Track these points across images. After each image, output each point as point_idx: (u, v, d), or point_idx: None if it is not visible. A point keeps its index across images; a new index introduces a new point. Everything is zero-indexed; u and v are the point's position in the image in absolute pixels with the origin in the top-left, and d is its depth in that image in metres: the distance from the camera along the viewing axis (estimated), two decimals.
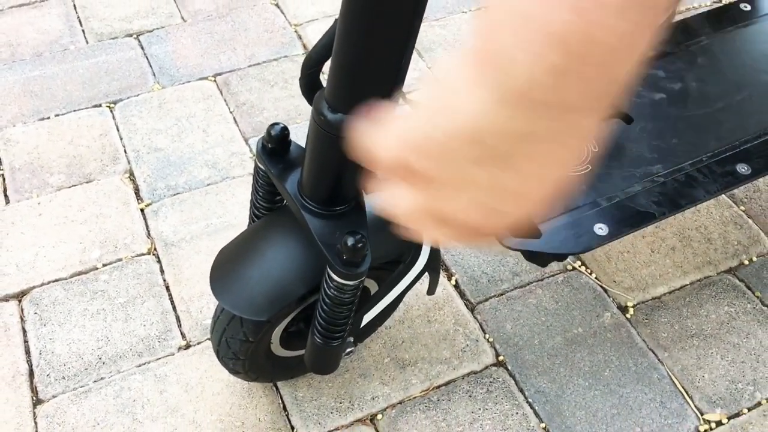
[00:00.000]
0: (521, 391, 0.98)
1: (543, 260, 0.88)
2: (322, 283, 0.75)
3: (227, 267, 0.79)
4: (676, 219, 1.18)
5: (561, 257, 0.88)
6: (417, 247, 0.84)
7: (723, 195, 1.21)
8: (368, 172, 0.73)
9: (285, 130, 0.78)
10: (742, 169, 0.93)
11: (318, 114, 0.68)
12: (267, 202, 0.84)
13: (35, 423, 0.95)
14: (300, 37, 1.54)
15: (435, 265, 0.92)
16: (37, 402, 0.97)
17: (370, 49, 0.63)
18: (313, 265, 0.76)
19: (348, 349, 0.85)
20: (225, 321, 0.84)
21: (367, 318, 0.86)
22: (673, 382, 0.99)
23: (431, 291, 0.94)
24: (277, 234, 0.79)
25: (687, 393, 0.98)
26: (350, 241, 0.70)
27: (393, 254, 0.82)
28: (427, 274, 0.93)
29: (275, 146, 0.78)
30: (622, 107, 0.97)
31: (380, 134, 0.37)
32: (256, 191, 0.84)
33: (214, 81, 1.44)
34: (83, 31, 1.55)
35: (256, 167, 0.82)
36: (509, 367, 1.01)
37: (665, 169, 0.94)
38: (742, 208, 1.20)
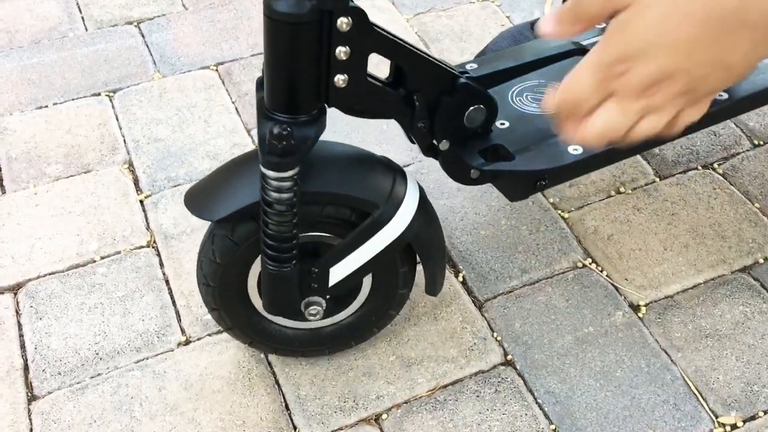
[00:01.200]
0: (530, 391, 0.95)
1: (515, 187, 0.88)
2: (261, 193, 0.76)
3: (201, 186, 0.84)
4: (690, 216, 1.15)
5: (532, 179, 0.87)
6: (391, 205, 0.81)
7: (737, 192, 1.19)
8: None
9: None
10: (720, 96, 0.93)
11: (264, 1, 0.68)
12: None
13: (30, 420, 0.92)
14: None
15: (432, 254, 0.87)
16: (32, 398, 0.95)
17: None
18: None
19: (315, 308, 0.86)
20: (202, 243, 0.86)
21: (335, 274, 0.84)
22: (687, 383, 0.96)
23: (430, 289, 0.91)
24: (248, 158, 0.83)
25: (701, 395, 0.95)
26: (276, 129, 0.70)
27: (356, 193, 0.80)
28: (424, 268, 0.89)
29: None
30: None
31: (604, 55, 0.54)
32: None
33: (216, 70, 1.41)
34: (83, 18, 1.52)
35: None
36: (518, 367, 0.98)
37: None
38: (757, 205, 1.17)
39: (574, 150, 0.87)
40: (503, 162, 0.86)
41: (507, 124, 0.92)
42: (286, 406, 0.94)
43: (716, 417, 0.93)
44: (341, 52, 0.71)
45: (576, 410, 0.93)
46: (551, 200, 1.18)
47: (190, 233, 1.13)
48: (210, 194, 0.81)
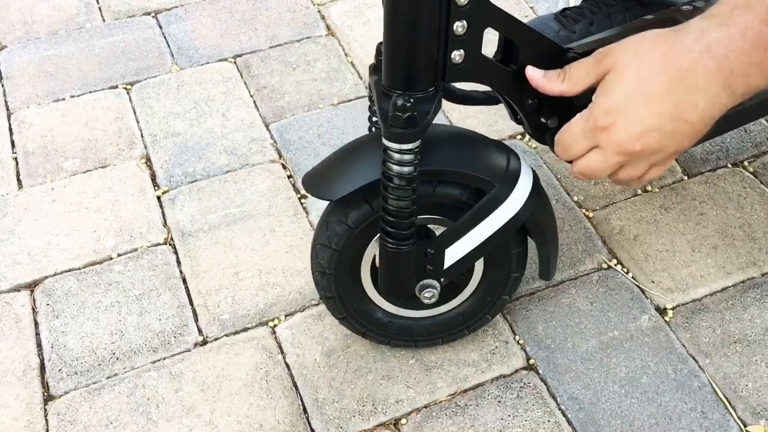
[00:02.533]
0: (553, 397, 0.93)
1: None
2: (382, 168, 0.77)
3: (319, 169, 0.85)
4: (719, 216, 1.12)
5: None
6: (507, 184, 0.82)
7: (767, 191, 1.15)
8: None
9: None
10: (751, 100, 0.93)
11: None
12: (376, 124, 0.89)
13: (46, 420, 0.92)
14: (323, 18, 1.48)
15: (546, 235, 0.88)
16: (48, 398, 0.94)
17: None
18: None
19: (430, 291, 0.86)
20: (316, 230, 0.88)
21: (451, 255, 0.84)
22: (715, 390, 0.93)
23: (545, 273, 0.92)
24: (368, 139, 0.84)
25: (729, 403, 0.92)
26: (399, 101, 0.71)
27: (473, 170, 0.81)
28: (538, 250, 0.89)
29: (380, 61, 0.78)
30: None
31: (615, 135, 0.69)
32: (371, 112, 0.91)
33: (234, 63, 1.39)
34: (100, 8, 1.50)
35: (368, 88, 0.88)
36: (540, 372, 0.96)
37: None
38: None
39: None
40: None
41: None
42: (304, 410, 0.92)
43: (745, 426, 0.91)
44: (459, 26, 0.72)
45: (600, 417, 0.91)
46: (575, 198, 1.15)
47: (207, 230, 1.11)
48: (328, 176, 0.83)
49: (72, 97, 1.33)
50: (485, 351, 0.98)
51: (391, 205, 0.78)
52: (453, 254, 0.84)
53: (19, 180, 1.19)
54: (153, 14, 1.49)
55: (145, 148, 1.24)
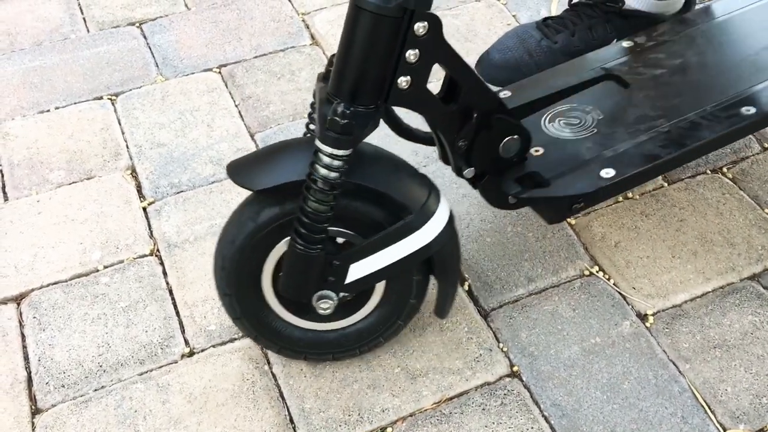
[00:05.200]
0: (536, 404, 0.95)
1: (552, 211, 0.92)
2: (310, 168, 0.79)
3: (246, 160, 0.85)
4: (698, 222, 1.14)
5: (567, 204, 0.92)
6: (424, 214, 0.84)
7: (746, 197, 1.17)
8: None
9: None
10: (747, 110, 0.98)
11: None
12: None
13: None
14: (308, 27, 1.49)
15: (449, 272, 0.89)
16: (35, 411, 0.94)
17: None
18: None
19: (326, 303, 0.87)
20: (225, 226, 0.88)
21: (355, 271, 0.85)
22: (695, 395, 0.95)
23: (440, 310, 0.92)
24: (300, 142, 0.85)
25: (709, 407, 0.94)
26: (340, 108, 0.75)
27: (390, 195, 0.83)
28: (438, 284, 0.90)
29: (329, 71, 0.82)
30: (611, 91, 1.02)
31: None
32: (310, 120, 0.92)
33: (219, 73, 1.40)
34: (84, 19, 1.50)
35: (313, 95, 0.87)
36: (524, 379, 0.97)
37: (669, 121, 0.98)
38: (767, 210, 1.15)
39: (606, 174, 0.92)
40: (539, 189, 0.91)
41: (541, 150, 0.96)
42: (291, 420, 0.93)
43: (724, 430, 0.92)
44: (411, 54, 0.76)
45: (582, 423, 0.93)
46: None
47: (193, 241, 1.12)
48: (255, 167, 0.83)
49: (57, 108, 1.33)
50: (469, 359, 0.99)
51: (309, 206, 0.79)
52: (357, 271, 0.85)
53: (4, 192, 1.20)
54: (137, 24, 1.49)
55: (131, 159, 1.25)
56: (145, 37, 1.47)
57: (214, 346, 1.00)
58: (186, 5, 1.53)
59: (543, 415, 0.94)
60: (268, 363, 0.99)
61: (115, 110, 1.33)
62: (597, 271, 1.08)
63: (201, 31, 1.48)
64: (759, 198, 1.17)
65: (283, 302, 0.91)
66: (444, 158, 0.93)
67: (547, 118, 1.00)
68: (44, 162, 1.24)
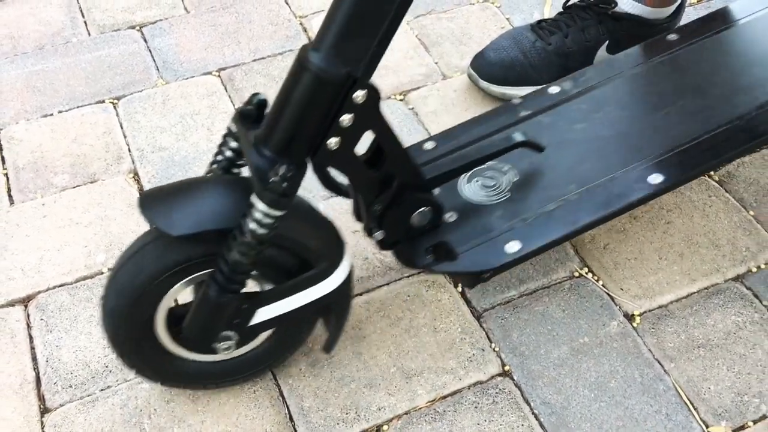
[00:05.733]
0: (527, 402, 0.98)
1: (464, 279, 0.97)
2: (240, 221, 0.79)
3: (162, 192, 0.84)
4: (685, 224, 1.17)
5: (475, 275, 0.96)
6: (334, 264, 0.87)
7: (732, 199, 1.21)
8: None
9: (265, 102, 0.86)
10: (656, 179, 1.00)
11: (301, 50, 0.78)
12: (225, 167, 0.90)
13: None
14: (305, 30, 1.52)
15: (340, 315, 0.93)
16: (44, 410, 0.98)
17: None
18: (240, 206, 0.81)
19: (226, 343, 0.88)
20: (124, 255, 0.86)
21: (260, 315, 0.87)
22: (679, 393, 0.99)
23: (328, 346, 0.95)
24: (223, 183, 0.85)
25: (692, 405, 0.98)
26: (283, 169, 0.76)
27: (306, 245, 0.86)
28: (329, 321, 0.94)
29: (253, 111, 0.84)
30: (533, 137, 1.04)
31: None
32: (220, 153, 0.91)
33: (219, 76, 1.43)
34: (85, 22, 1.53)
35: (228, 130, 0.89)
36: (515, 378, 1.01)
37: (578, 188, 1.01)
38: (752, 212, 1.19)
39: (511, 248, 0.95)
40: (446, 263, 0.94)
41: (455, 216, 0.99)
42: (290, 418, 0.97)
43: (707, 427, 0.96)
44: (346, 118, 0.79)
45: (571, 421, 0.96)
46: None
47: None
48: (173, 206, 0.81)
49: (60, 112, 1.36)
50: (462, 359, 1.03)
51: (233, 257, 0.80)
52: (262, 314, 0.87)
53: (10, 196, 1.23)
54: (138, 28, 1.52)
55: (133, 162, 1.28)
56: (145, 41, 1.49)
57: None
58: (185, 8, 1.56)
59: (533, 413, 0.97)
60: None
61: (117, 114, 1.36)
62: (586, 273, 1.12)
63: (200, 34, 1.51)
64: (744, 200, 1.21)
65: (178, 341, 0.91)
66: (358, 216, 0.97)
67: (466, 177, 1.03)
68: (48, 166, 1.27)
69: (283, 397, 0.99)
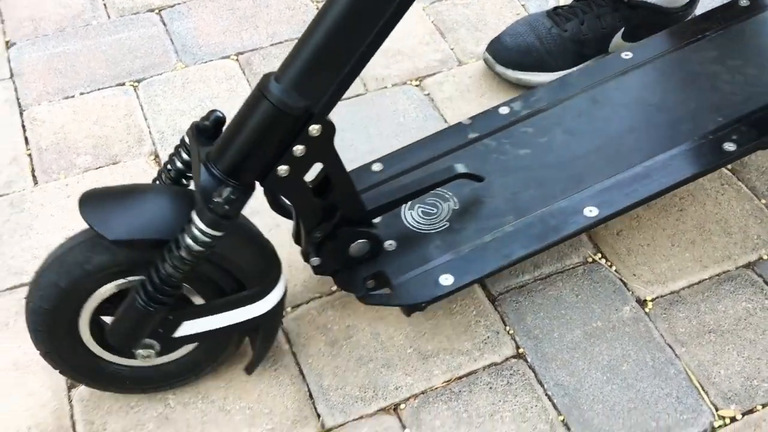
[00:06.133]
0: (540, 383, 1.01)
1: (402, 308, 0.99)
2: (177, 235, 0.80)
3: (104, 194, 0.85)
4: (697, 212, 1.19)
5: (411, 308, 0.98)
6: (267, 288, 0.89)
7: (744, 187, 1.22)
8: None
9: (223, 119, 0.88)
10: (592, 212, 1.02)
11: (263, 78, 0.80)
12: (175, 177, 0.91)
13: (71, 406, 0.99)
14: None
15: (266, 338, 0.95)
16: (71, 385, 1.01)
17: (333, 37, 0.77)
18: (181, 218, 0.81)
19: (147, 351, 0.89)
20: (50, 255, 0.86)
21: (185, 328, 0.89)
22: (690, 377, 1.01)
23: (251, 368, 0.97)
24: (168, 193, 0.87)
25: (703, 388, 1.00)
26: (226, 192, 0.78)
27: (241, 267, 0.87)
28: (259, 341, 0.95)
29: (209, 127, 0.87)
30: (473, 169, 1.05)
31: None
32: (171, 162, 0.91)
33: (237, 60, 1.45)
34: (105, 5, 1.55)
35: (181, 141, 0.91)
36: (529, 360, 1.03)
37: (516, 219, 1.03)
38: (764, 201, 1.20)
39: (445, 281, 0.97)
40: (382, 295, 0.98)
41: (394, 245, 1.01)
42: (310, 396, 1.00)
43: (717, 410, 0.99)
44: (299, 149, 0.82)
45: (583, 402, 0.99)
46: None
47: None
48: (113, 210, 0.82)
49: (81, 94, 1.38)
50: (478, 341, 1.05)
51: (166, 269, 0.80)
52: (187, 328, 0.89)
53: (34, 176, 1.25)
54: (157, 11, 1.54)
55: (153, 145, 1.30)
56: (164, 24, 1.51)
57: None
58: None
59: (546, 394, 1.00)
60: (289, 342, 1.05)
61: (138, 97, 1.38)
62: (599, 258, 1.14)
63: (218, 18, 1.52)
64: (756, 189, 1.22)
65: (101, 344, 0.92)
66: (296, 240, 0.99)
67: (407, 206, 1.05)
68: (71, 147, 1.29)
69: (303, 376, 1.02)
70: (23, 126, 1.33)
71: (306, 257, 0.97)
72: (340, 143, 1.29)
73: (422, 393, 1.00)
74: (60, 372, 0.94)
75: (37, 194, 1.22)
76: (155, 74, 1.42)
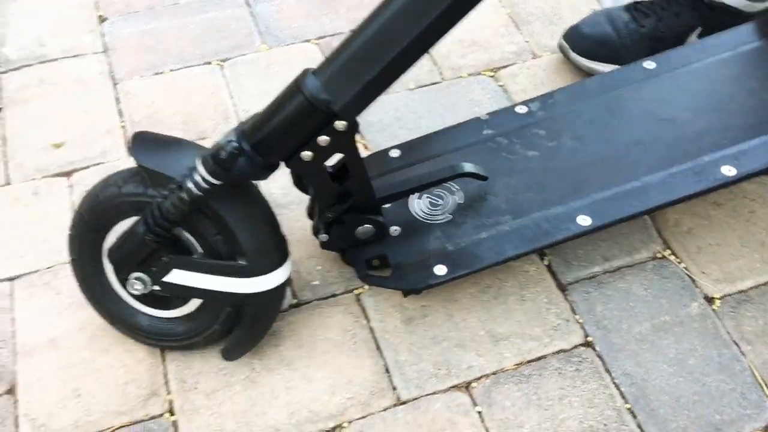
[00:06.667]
0: (608, 372, 1.05)
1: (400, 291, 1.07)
2: (184, 177, 0.87)
3: (155, 137, 0.97)
4: (767, 213, 1.21)
5: (406, 292, 1.07)
6: (259, 267, 0.94)
7: None
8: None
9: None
10: (585, 221, 1.05)
11: (303, 72, 0.89)
12: None
13: (164, 365, 1.05)
14: None
15: (253, 327, 1.00)
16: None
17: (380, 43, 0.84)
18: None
19: (138, 285, 0.95)
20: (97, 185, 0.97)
21: (174, 276, 0.95)
22: (754, 375, 1.04)
23: (228, 354, 1.03)
24: (196, 146, 0.96)
25: (767, 386, 1.03)
26: (229, 145, 0.84)
27: (235, 234, 0.92)
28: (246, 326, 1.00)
29: None
30: (482, 165, 1.11)
31: None
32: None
33: (317, 44, 1.49)
34: None
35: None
36: (597, 349, 1.07)
37: (513, 219, 1.07)
38: None
39: (439, 270, 1.03)
40: (380, 278, 1.06)
41: (399, 230, 1.07)
42: (387, 370, 1.05)
43: None
44: (323, 140, 0.89)
45: (650, 392, 1.03)
46: None
47: (299, 203, 1.23)
48: (152, 147, 0.93)
49: (171, 71, 1.44)
50: (548, 327, 1.09)
51: (165, 204, 0.88)
52: (176, 277, 0.95)
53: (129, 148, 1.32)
54: None
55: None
56: (248, 5, 1.56)
57: (318, 300, 1.12)
58: None
59: (614, 383, 1.04)
60: (366, 318, 1.10)
61: (224, 75, 1.44)
62: (669, 255, 1.17)
63: (300, 2, 1.57)
64: None
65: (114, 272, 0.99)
66: (310, 214, 1.08)
67: (416, 194, 1.10)
68: (162, 121, 1.36)
69: (380, 350, 1.07)
70: (117, 99, 1.40)
71: (316, 232, 1.04)
72: (415, 129, 1.34)
73: (493, 374, 1.05)
74: (79, 285, 1.02)
75: (131, 165, 1.29)
76: (239, 54, 1.47)
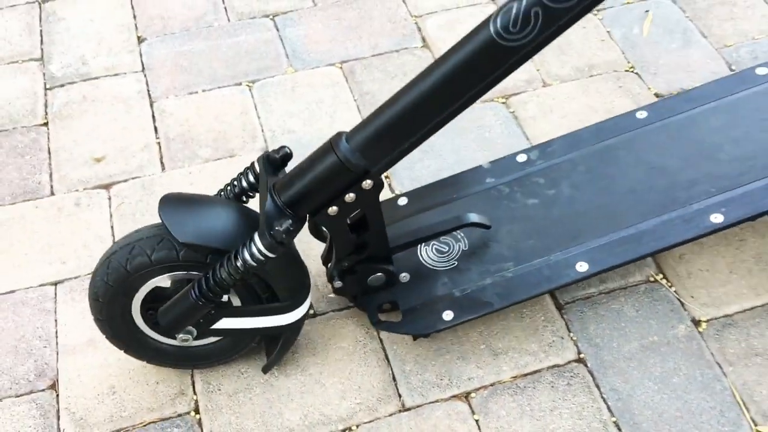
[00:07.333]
0: (597, 387, 1.14)
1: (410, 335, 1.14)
2: (238, 249, 0.95)
3: (181, 198, 1.00)
4: (756, 243, 1.29)
5: (415, 336, 1.14)
6: (298, 303, 1.05)
7: None
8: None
9: (290, 155, 1.06)
10: (582, 267, 1.13)
11: (336, 135, 0.97)
12: (237, 194, 1.06)
13: (191, 376, 1.16)
14: (419, 29, 1.67)
15: (286, 345, 1.10)
16: None
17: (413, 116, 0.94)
18: (241, 234, 0.97)
19: (186, 336, 1.04)
20: (117, 243, 1.02)
21: (222, 323, 1.04)
22: (734, 394, 1.12)
23: (267, 368, 1.13)
24: (236, 209, 1.02)
25: (745, 405, 1.11)
26: (286, 224, 0.94)
27: (281, 283, 1.03)
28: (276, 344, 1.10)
29: (278, 160, 1.04)
30: (485, 213, 1.19)
31: None
32: (237, 181, 1.06)
33: (341, 68, 1.59)
34: (225, 8, 1.71)
35: (251, 165, 1.06)
36: (589, 365, 1.16)
37: (515, 266, 1.15)
38: None
39: (446, 316, 1.10)
40: (392, 325, 1.13)
41: (408, 277, 1.16)
42: (394, 378, 1.15)
43: (755, 425, 1.10)
44: (350, 197, 0.98)
45: (635, 407, 1.11)
46: None
47: None
48: (186, 214, 0.97)
49: (204, 90, 1.55)
50: (544, 343, 1.18)
51: (221, 274, 0.95)
52: (223, 323, 1.05)
53: (162, 163, 1.43)
54: (271, 17, 1.69)
55: (265, 141, 1.46)
56: (277, 29, 1.67)
57: (333, 311, 1.22)
58: (313, 1, 1.72)
59: (602, 397, 1.13)
60: (377, 330, 1.20)
61: (252, 96, 1.54)
62: (661, 279, 1.25)
63: (326, 27, 1.67)
64: None
65: (148, 324, 1.07)
66: (325, 261, 1.16)
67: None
68: (194, 139, 1.47)
69: (388, 360, 1.17)
70: (153, 116, 1.51)
71: (330, 279, 1.14)
72: (429, 151, 1.44)
73: (491, 385, 1.14)
74: (107, 338, 1.08)
75: (165, 179, 1.40)
76: (268, 76, 1.58)
